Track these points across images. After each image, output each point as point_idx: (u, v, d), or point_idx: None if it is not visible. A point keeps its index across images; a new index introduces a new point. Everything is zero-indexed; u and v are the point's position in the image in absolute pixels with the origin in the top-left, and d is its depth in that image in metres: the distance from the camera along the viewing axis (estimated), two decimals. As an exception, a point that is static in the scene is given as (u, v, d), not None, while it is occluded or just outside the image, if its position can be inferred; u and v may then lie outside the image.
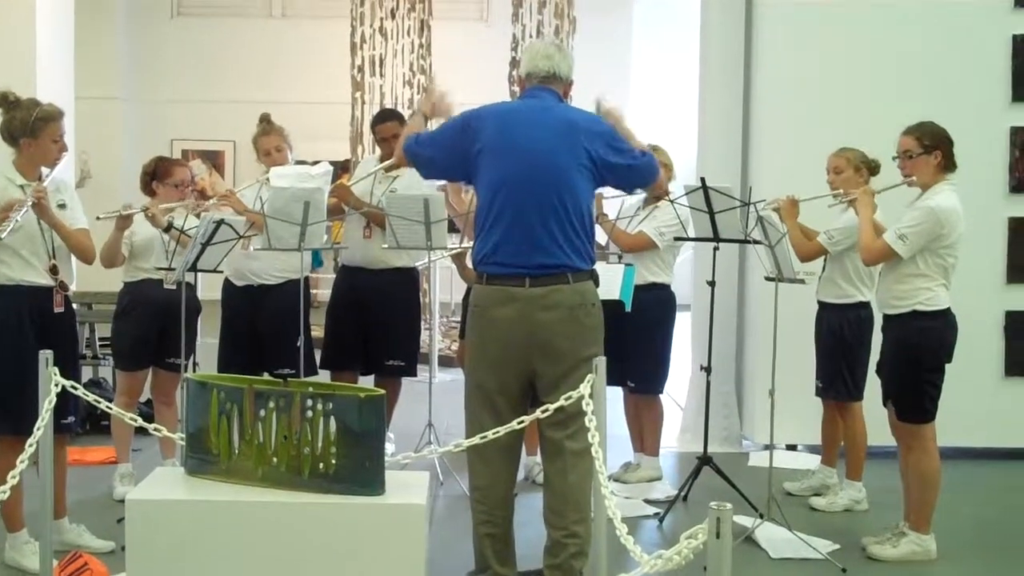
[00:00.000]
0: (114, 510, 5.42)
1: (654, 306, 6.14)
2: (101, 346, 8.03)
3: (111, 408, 4.29)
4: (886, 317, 5.20)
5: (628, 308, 5.58)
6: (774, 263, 5.55)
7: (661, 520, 5.77)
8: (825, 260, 5.97)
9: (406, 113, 10.59)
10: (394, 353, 6.44)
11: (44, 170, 4.82)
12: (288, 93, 14.40)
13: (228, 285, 6.31)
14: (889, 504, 5.70)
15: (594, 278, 4.42)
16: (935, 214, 4.96)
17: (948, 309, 5.07)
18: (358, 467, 3.48)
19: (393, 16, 11.58)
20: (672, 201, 5.93)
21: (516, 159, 4.31)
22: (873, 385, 5.59)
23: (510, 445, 4.39)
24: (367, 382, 6.45)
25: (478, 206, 4.45)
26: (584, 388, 3.71)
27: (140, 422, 4.20)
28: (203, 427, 3.63)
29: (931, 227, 4.96)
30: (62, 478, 4.94)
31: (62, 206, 4.90)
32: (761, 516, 5.46)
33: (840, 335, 5.93)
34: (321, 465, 3.50)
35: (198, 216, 5.95)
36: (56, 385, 3.81)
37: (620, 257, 6.22)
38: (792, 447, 7.40)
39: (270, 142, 6.34)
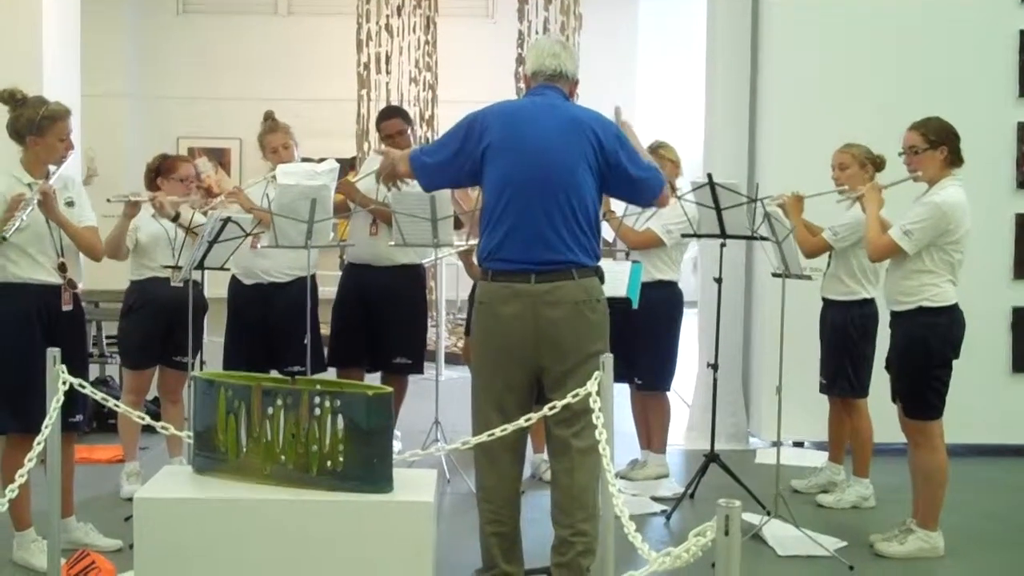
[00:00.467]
0: (121, 508, 5.44)
1: (661, 303, 6.15)
2: (108, 344, 8.04)
3: (119, 406, 4.30)
4: (893, 314, 5.19)
5: (635, 305, 5.58)
6: (781, 259, 5.54)
7: (668, 517, 5.76)
8: (830, 257, 5.97)
9: (411, 110, 10.64)
10: (401, 350, 6.44)
11: (51, 168, 4.82)
12: (294, 90, 14.42)
13: (236, 283, 6.31)
14: (897, 501, 5.69)
15: (599, 275, 4.41)
16: (941, 210, 4.95)
17: (955, 305, 5.06)
18: (366, 465, 3.48)
19: (399, 13, 11.57)
20: (679, 198, 5.92)
21: (522, 157, 4.31)
22: (879, 381, 5.59)
23: (516, 443, 4.39)
24: (373, 379, 6.45)
25: (484, 203, 4.45)
26: (591, 385, 3.70)
27: (148, 420, 4.20)
28: (211, 425, 3.63)
29: (937, 223, 4.95)
30: (70, 476, 4.95)
31: (70, 204, 4.90)
32: (768, 513, 5.45)
33: (844, 332, 5.93)
34: (329, 463, 3.50)
35: (205, 214, 5.97)
36: (64, 383, 3.81)
37: (628, 254, 6.21)
38: (799, 444, 7.40)
39: (276, 139, 6.34)
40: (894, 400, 5.21)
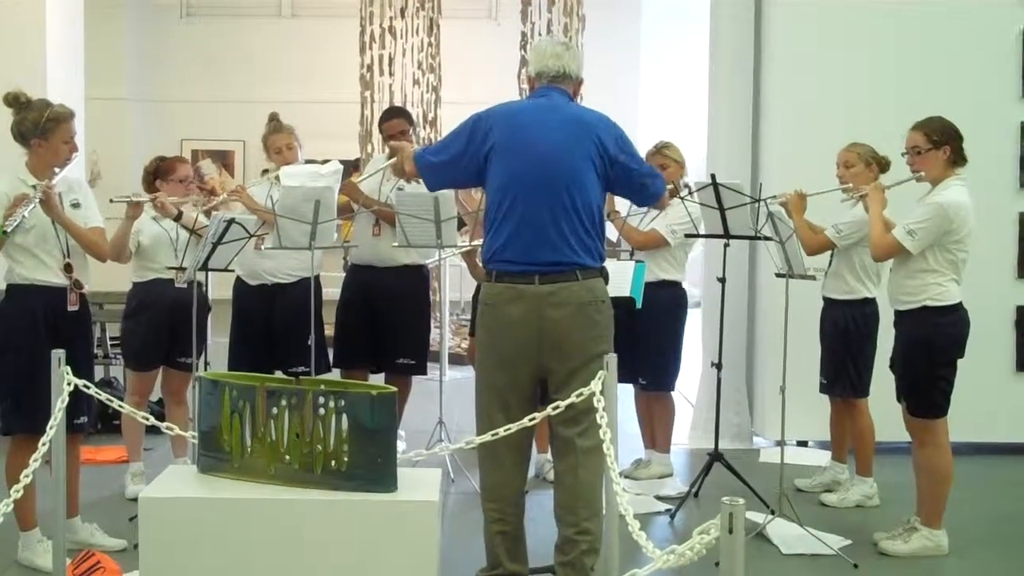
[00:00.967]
0: (126, 509, 5.45)
1: (665, 303, 6.15)
2: (113, 345, 8.05)
3: (123, 407, 4.31)
4: (897, 313, 5.19)
5: (639, 305, 5.59)
6: (784, 259, 5.55)
7: (672, 516, 5.77)
8: (832, 256, 5.97)
9: (414, 112, 10.65)
10: (404, 351, 6.45)
11: (56, 170, 4.83)
12: (297, 92, 14.40)
13: (241, 284, 6.32)
14: (900, 500, 5.70)
15: (604, 275, 4.42)
16: (944, 210, 4.95)
17: (959, 304, 5.05)
18: (370, 464, 3.49)
19: (402, 15, 11.57)
20: (683, 198, 5.93)
21: (526, 158, 4.32)
22: (882, 380, 5.59)
23: (521, 443, 4.39)
24: (377, 380, 6.45)
25: (487, 204, 4.45)
26: (595, 385, 3.71)
27: (153, 421, 4.21)
28: (215, 425, 3.64)
29: (940, 223, 4.95)
30: (75, 477, 4.96)
31: (76, 205, 4.91)
32: (772, 512, 5.46)
33: (845, 331, 5.93)
34: (333, 462, 3.51)
35: (208, 214, 5.98)
36: (68, 384, 3.82)
37: (632, 254, 6.22)
38: (803, 443, 7.40)
39: (280, 140, 6.36)
40: (899, 399, 5.21)
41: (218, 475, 3.65)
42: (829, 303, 6.04)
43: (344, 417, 3.48)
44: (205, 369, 5.74)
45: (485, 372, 4.47)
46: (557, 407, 3.92)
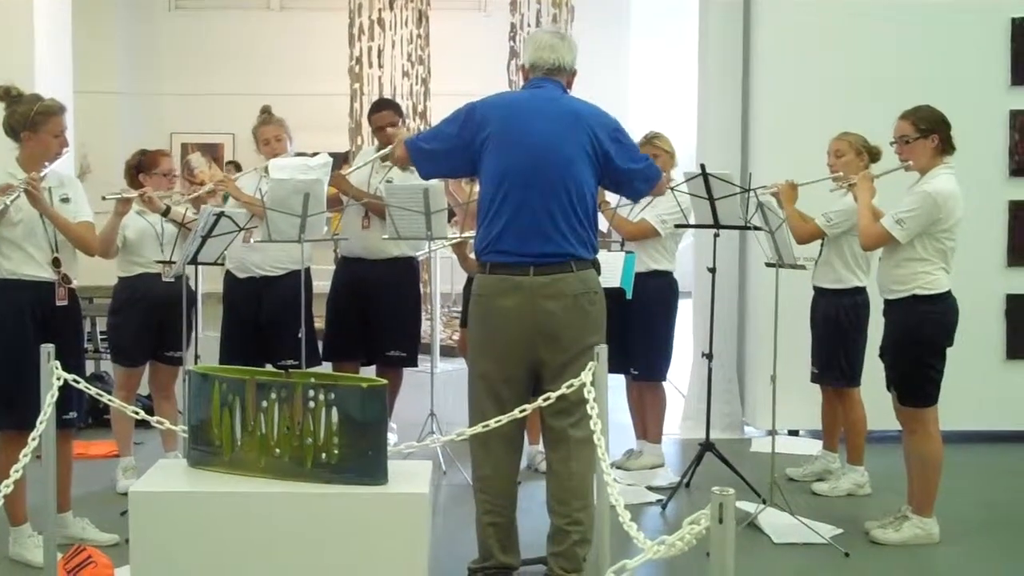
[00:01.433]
0: (117, 503, 5.43)
1: (656, 293, 6.14)
2: (103, 340, 8.03)
3: (113, 402, 4.29)
4: (887, 302, 5.20)
5: (629, 295, 5.59)
6: (775, 249, 5.55)
7: (664, 507, 5.78)
8: (822, 245, 5.97)
9: (404, 104, 10.63)
10: (395, 343, 6.45)
11: (45, 164, 4.81)
12: (287, 85, 14.40)
13: (230, 278, 6.31)
14: (892, 488, 5.71)
15: (596, 266, 4.43)
16: (932, 198, 4.95)
17: (948, 292, 5.06)
18: (361, 457, 3.49)
19: (391, 7, 11.55)
20: (673, 188, 5.92)
21: (521, 149, 4.31)
22: (872, 369, 5.60)
23: (512, 434, 4.40)
24: (368, 372, 6.45)
25: (481, 195, 4.45)
26: (586, 376, 3.71)
27: (143, 415, 4.20)
28: (205, 419, 3.64)
29: (928, 211, 4.95)
30: (66, 472, 4.95)
31: (66, 200, 4.89)
32: (764, 501, 5.47)
33: (836, 321, 5.93)
34: (324, 455, 3.51)
35: (197, 207, 5.95)
36: (58, 379, 3.81)
37: (622, 244, 6.22)
38: (794, 433, 7.41)
39: (269, 131, 6.35)
40: (889, 388, 5.22)
41: (208, 469, 3.65)
42: (819, 292, 6.05)
43: (334, 410, 3.48)
44: (195, 363, 5.73)
45: (478, 364, 4.47)
46: (548, 398, 3.93)
